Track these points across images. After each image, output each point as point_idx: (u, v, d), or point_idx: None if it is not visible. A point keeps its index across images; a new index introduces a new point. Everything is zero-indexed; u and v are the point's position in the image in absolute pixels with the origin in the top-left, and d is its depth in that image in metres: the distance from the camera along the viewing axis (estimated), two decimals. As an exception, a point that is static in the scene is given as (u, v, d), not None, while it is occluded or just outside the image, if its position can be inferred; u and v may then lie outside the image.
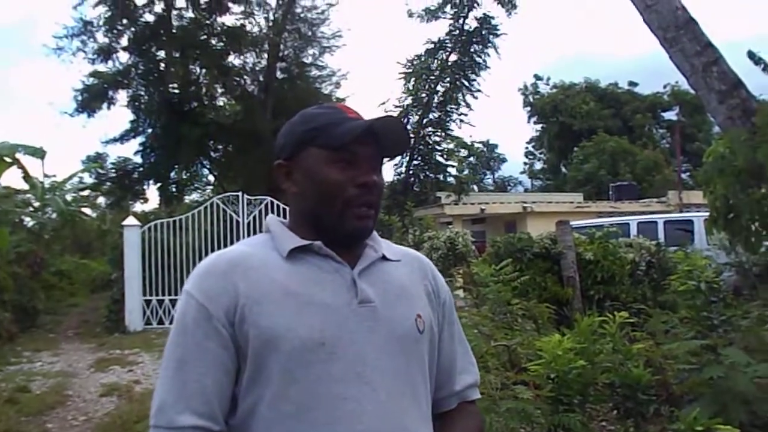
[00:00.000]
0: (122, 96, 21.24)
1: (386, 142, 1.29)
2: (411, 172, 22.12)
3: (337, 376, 1.17)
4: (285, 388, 1.17)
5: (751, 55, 5.76)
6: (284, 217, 1.41)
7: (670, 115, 42.98)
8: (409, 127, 21.94)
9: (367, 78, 73.05)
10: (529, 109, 46.35)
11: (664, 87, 42.79)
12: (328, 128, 1.26)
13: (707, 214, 5.68)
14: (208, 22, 20.79)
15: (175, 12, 20.55)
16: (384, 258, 1.35)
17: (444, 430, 1.35)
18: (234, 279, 1.21)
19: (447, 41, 22.29)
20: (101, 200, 24.58)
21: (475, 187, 33.57)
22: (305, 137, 1.29)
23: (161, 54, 21.07)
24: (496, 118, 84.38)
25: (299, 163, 1.30)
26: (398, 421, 1.19)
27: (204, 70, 21.43)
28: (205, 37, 20.73)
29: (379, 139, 1.28)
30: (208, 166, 24.16)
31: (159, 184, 21.68)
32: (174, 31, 20.19)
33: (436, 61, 22.36)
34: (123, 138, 21.74)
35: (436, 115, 22.36)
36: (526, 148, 49.82)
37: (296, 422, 1.15)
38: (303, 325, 1.19)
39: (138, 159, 22.11)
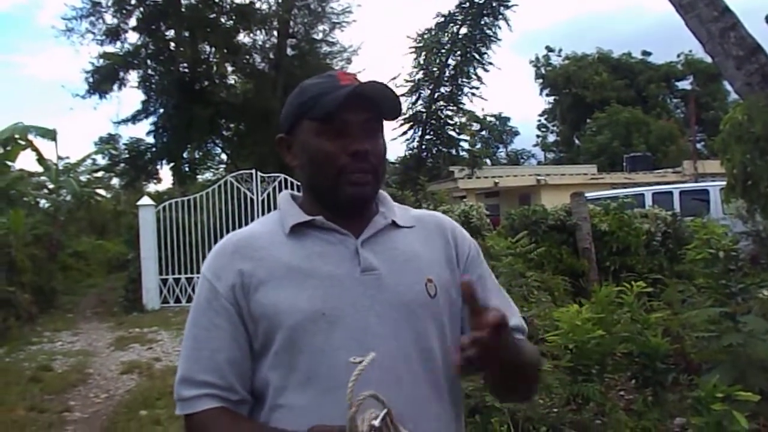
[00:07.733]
0: (133, 76, 21.09)
1: (378, 105, 1.27)
2: (423, 146, 21.99)
3: (339, 345, 1.20)
4: (292, 359, 1.21)
5: (769, 20, 5.67)
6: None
7: (685, 85, 42.50)
8: (420, 101, 21.84)
9: (378, 53, 72.60)
10: (541, 81, 45.81)
11: (678, 56, 42.19)
12: (317, 99, 1.25)
13: (723, 183, 5.62)
14: (216, 0, 20.65)
15: (183, -10, 20.41)
16: (394, 224, 1.34)
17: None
18: (240, 259, 1.27)
19: (457, 14, 21.99)
20: (115, 181, 24.59)
21: (488, 161, 33.42)
22: (299, 110, 1.29)
23: (170, 33, 20.93)
24: (508, 91, 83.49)
25: (296, 137, 1.31)
26: (402, 387, 1.19)
27: (214, 49, 21.28)
28: (214, 15, 20.53)
29: (371, 103, 1.25)
30: (220, 145, 24.10)
31: (172, 164, 21.66)
32: (183, 9, 20.00)
33: (446, 34, 22.09)
34: (135, 118, 21.69)
35: (447, 89, 22.14)
36: (539, 120, 49.33)
37: (302, 390, 1.20)
38: (304, 298, 1.22)
39: (150, 139, 22.05)
